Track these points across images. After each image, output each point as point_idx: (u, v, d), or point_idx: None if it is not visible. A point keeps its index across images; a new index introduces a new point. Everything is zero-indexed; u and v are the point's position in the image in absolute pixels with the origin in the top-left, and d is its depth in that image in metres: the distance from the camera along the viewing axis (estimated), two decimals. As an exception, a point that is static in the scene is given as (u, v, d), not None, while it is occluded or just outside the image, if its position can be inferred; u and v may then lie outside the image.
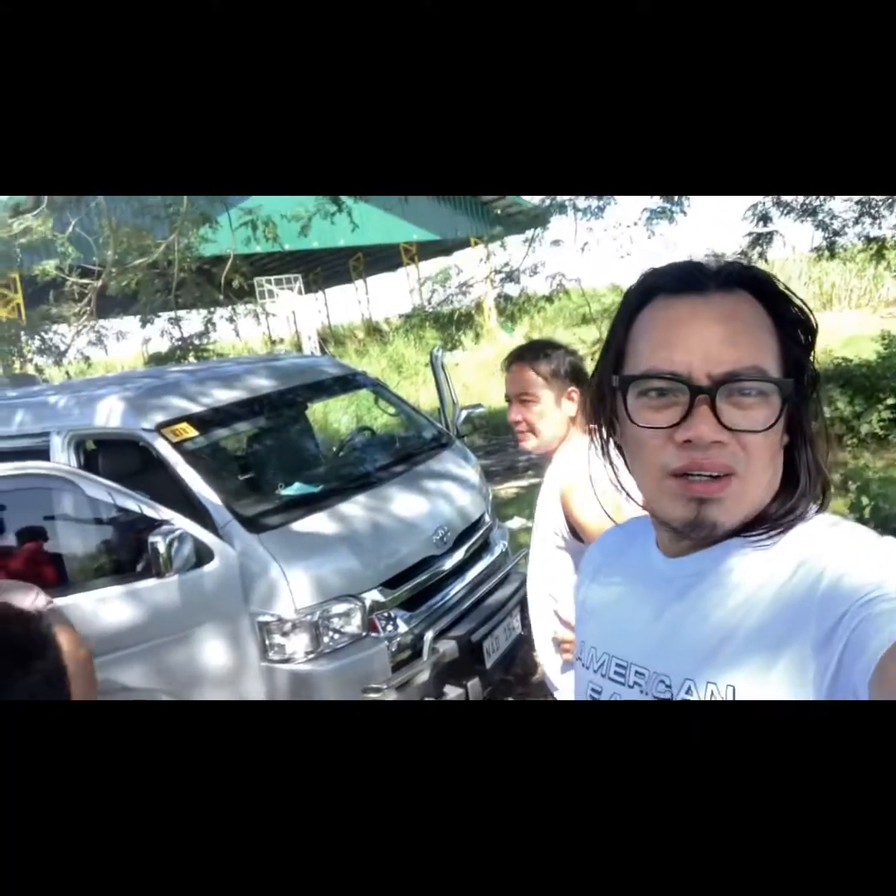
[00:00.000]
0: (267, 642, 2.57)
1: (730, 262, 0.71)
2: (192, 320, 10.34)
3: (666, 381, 0.67)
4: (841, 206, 7.03)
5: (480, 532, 3.28)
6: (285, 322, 17.50)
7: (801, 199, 6.81)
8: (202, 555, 2.55)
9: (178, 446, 2.79)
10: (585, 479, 1.67)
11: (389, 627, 2.70)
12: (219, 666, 2.58)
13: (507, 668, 2.98)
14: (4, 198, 7.29)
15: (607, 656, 0.80)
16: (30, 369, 9.54)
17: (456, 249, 20.67)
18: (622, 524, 0.89)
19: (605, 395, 0.75)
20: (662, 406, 0.68)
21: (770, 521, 0.69)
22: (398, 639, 2.69)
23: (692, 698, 0.68)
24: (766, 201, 6.88)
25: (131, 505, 2.56)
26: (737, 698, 0.65)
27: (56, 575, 2.61)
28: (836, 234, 7.20)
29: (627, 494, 0.79)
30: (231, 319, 10.85)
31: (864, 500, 3.82)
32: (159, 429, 2.82)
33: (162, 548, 2.40)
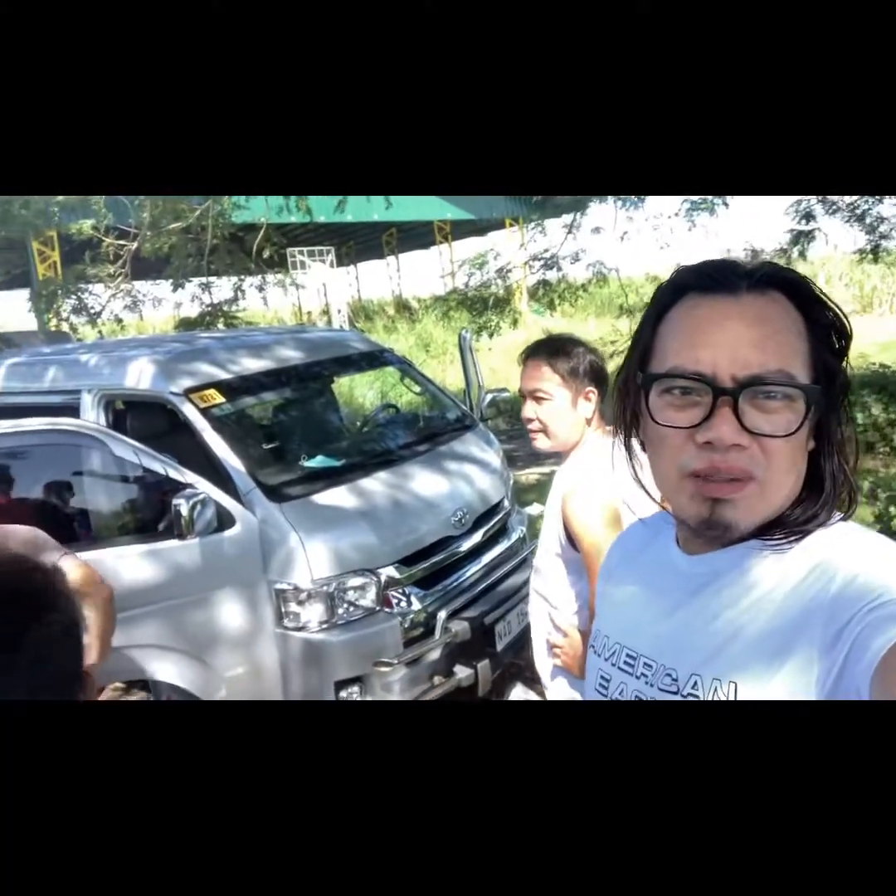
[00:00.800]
0: (282, 609, 2.61)
1: (764, 263, 0.70)
2: (223, 287, 10.39)
3: (689, 380, 0.67)
4: (890, 210, 6.86)
5: (499, 516, 3.28)
6: (315, 294, 17.49)
7: (847, 199, 6.65)
8: (224, 520, 2.58)
9: (205, 412, 2.82)
10: (586, 488, 1.65)
11: (403, 604, 2.72)
12: (234, 628, 2.62)
13: (517, 652, 3.00)
14: None
15: (619, 646, 0.81)
16: (64, 327, 9.67)
17: (491, 230, 20.49)
18: (644, 519, 0.90)
19: (630, 391, 0.76)
20: (685, 405, 0.68)
21: (790, 525, 0.69)
22: (411, 615, 2.71)
23: (697, 693, 0.69)
24: (811, 199, 6.73)
25: (157, 466, 2.60)
26: (740, 697, 0.65)
27: (68, 531, 2.64)
28: (883, 237, 7.04)
29: (647, 491, 0.80)
30: (260, 288, 10.84)
31: (893, 511, 3.71)
32: (187, 393, 2.86)
33: (184, 510, 2.43)
